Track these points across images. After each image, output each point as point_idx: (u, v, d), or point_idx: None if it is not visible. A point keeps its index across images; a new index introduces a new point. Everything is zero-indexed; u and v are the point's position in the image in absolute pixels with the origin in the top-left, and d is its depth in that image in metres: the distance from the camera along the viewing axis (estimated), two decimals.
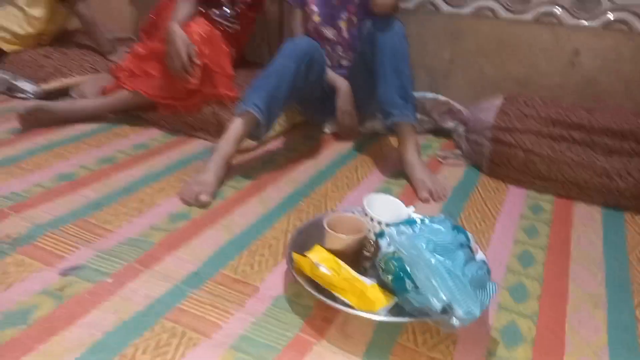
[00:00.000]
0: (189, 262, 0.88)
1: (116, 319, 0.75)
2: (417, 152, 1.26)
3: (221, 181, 1.15)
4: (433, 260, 0.70)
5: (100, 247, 0.91)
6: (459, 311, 0.66)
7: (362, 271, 0.82)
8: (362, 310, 0.73)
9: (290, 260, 0.81)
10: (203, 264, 0.88)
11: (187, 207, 1.06)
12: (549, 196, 1.21)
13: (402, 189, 1.21)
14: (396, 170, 1.29)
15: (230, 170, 1.21)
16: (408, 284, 0.72)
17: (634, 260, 0.96)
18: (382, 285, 0.78)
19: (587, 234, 1.04)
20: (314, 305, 0.80)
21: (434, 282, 0.68)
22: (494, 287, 0.72)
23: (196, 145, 1.40)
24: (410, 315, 0.73)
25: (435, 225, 0.77)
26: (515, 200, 1.18)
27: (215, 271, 0.86)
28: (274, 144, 1.45)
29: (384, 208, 0.90)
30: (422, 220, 0.79)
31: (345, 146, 1.46)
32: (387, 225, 0.83)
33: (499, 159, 1.29)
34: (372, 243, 0.86)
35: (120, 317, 0.75)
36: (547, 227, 1.06)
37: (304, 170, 1.28)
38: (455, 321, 0.66)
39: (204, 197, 1.06)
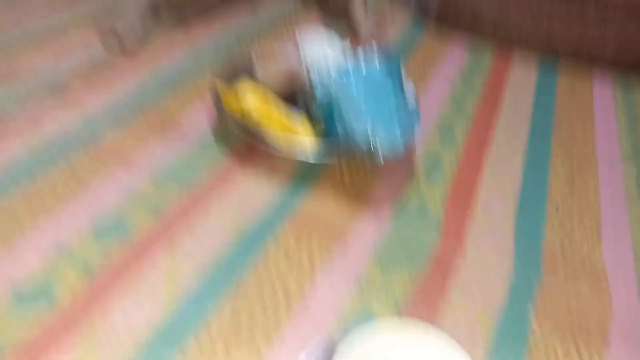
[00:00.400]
0: (108, 100, 0.84)
1: (28, 151, 0.71)
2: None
3: (146, 20, 1.06)
4: (361, 95, 0.69)
5: (8, 86, 0.84)
6: (383, 144, 0.66)
7: (294, 110, 0.81)
8: (289, 147, 0.73)
9: (216, 93, 0.78)
10: (123, 102, 0.84)
11: (108, 49, 0.99)
12: (489, 51, 1.20)
13: (343, 30, 1.17)
14: (338, 12, 1.23)
15: (158, 13, 1.11)
16: (337, 120, 0.71)
17: (559, 111, 0.99)
18: (313, 123, 0.78)
19: (520, 89, 1.06)
20: (240, 139, 0.79)
21: (361, 116, 0.68)
22: (419, 123, 0.73)
23: None
24: (338, 152, 0.73)
25: (368, 61, 0.75)
26: (456, 53, 1.17)
27: (137, 107, 0.83)
28: None
29: (319, 44, 0.86)
30: (355, 56, 0.76)
31: None
32: (320, 61, 0.80)
33: (446, 12, 1.26)
34: (305, 80, 0.84)
35: (32, 150, 0.72)
36: (483, 79, 1.07)
37: (241, 16, 1.20)
38: (379, 153, 0.67)
39: (126, 38, 0.99)
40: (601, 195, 0.77)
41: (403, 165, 0.79)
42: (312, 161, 0.71)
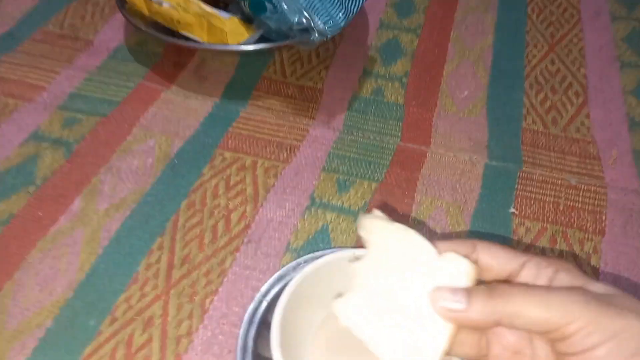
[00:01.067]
0: None
1: None
2: None
3: None
4: None
5: None
6: (319, 22, 0.54)
7: (222, 7, 0.67)
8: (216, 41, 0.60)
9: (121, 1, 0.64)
10: (18, 23, 0.69)
11: None
12: None
13: None
14: None
15: None
16: (267, 5, 0.58)
17: None
18: (244, 19, 0.64)
19: None
20: (162, 51, 0.66)
21: None
22: None
23: None
24: (273, 42, 0.61)
25: None
26: None
27: (34, 28, 0.68)
28: None
29: None
30: None
31: None
32: None
33: None
34: None
35: None
36: None
37: None
38: (315, 35, 0.55)
39: None
40: (587, 61, 0.67)
41: (356, 50, 0.67)
42: (241, 49, 0.59)
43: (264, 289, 0.42)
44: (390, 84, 0.63)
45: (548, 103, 0.61)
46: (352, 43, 0.68)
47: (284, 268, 0.44)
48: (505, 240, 0.48)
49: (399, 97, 0.61)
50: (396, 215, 0.50)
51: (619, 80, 0.64)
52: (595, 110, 0.61)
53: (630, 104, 0.61)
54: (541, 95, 0.62)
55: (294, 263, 0.44)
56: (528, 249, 0.48)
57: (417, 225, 0.49)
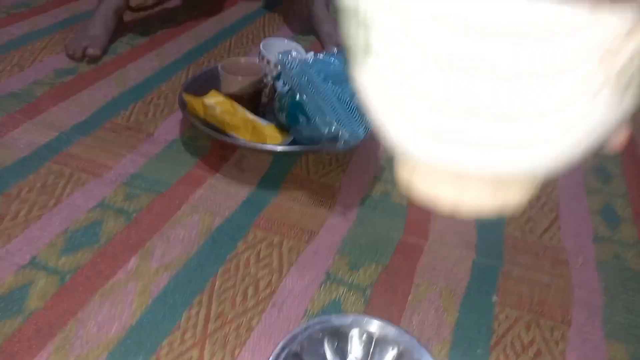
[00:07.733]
0: (77, 112, 0.84)
1: None
2: (327, 6, 1.22)
3: (111, 34, 1.06)
4: (323, 87, 0.71)
5: None
6: (345, 133, 0.68)
7: (260, 115, 0.82)
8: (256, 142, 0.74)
9: (182, 103, 0.79)
10: (92, 114, 0.84)
11: (74, 63, 0.99)
12: None
13: (310, 44, 1.19)
14: (305, 26, 1.25)
15: (123, 27, 1.12)
16: (300, 118, 0.73)
17: None
18: (279, 126, 0.79)
19: None
20: (210, 146, 0.80)
21: (323, 107, 0.70)
22: None
23: (84, 2, 1.27)
24: (303, 146, 0.75)
25: (329, 58, 0.77)
26: None
27: (106, 120, 0.83)
28: (173, 2, 1.34)
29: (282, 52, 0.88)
30: (316, 55, 0.78)
31: (252, 4, 1.38)
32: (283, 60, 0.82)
33: None
34: (269, 86, 0.86)
35: (2, 162, 0.71)
36: None
37: (207, 27, 1.21)
38: (341, 143, 0.68)
39: (91, 50, 0.99)
40: (560, 185, 0.80)
41: (369, 158, 0.81)
42: (274, 150, 0.72)
43: (280, 345, 0.51)
44: (396, 191, 0.76)
45: (527, 221, 0.73)
46: (366, 153, 0.82)
47: (297, 328, 0.52)
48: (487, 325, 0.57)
49: (403, 203, 0.74)
50: (396, 297, 0.59)
51: (587, 209, 0.77)
52: (566, 232, 0.73)
53: (595, 226, 0.74)
54: (522, 215, 0.74)
55: (303, 326, 0.53)
56: (507, 331, 0.57)
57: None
